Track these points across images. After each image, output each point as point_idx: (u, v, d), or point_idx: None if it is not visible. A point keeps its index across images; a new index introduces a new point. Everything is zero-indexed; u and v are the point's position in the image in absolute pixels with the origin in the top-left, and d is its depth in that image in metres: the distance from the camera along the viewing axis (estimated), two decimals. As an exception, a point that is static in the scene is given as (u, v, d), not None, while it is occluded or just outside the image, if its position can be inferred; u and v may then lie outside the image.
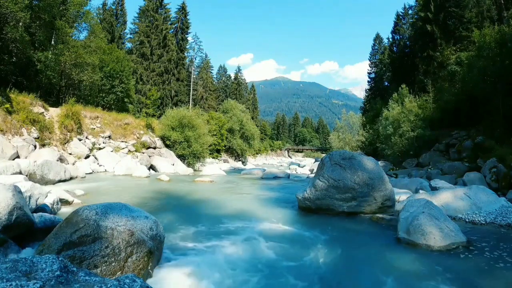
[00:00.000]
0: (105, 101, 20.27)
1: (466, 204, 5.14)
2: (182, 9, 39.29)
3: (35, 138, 11.24)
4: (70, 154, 12.54)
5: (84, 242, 2.51)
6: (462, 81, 15.32)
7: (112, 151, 14.44)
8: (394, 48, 34.93)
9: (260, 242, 3.83)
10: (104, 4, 33.25)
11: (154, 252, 2.84)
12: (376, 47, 42.59)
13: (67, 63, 16.18)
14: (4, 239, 2.78)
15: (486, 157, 9.42)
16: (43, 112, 12.63)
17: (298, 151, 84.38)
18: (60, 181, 8.56)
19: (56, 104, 15.52)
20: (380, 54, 41.02)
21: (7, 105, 10.80)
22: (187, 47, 40.80)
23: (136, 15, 34.70)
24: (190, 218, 4.90)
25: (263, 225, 4.68)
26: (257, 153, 48.92)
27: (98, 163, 13.04)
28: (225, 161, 28.61)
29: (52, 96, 16.86)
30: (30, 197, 4.30)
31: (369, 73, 41.92)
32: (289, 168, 23.57)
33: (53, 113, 13.43)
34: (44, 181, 7.93)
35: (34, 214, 3.61)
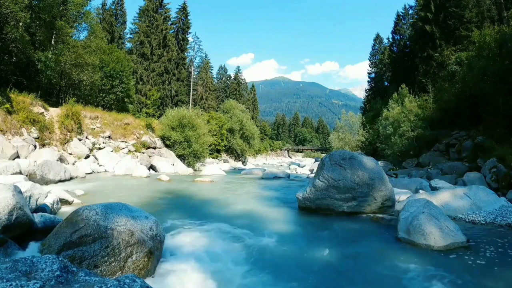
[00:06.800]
0: (105, 101, 20.26)
1: (466, 204, 5.14)
2: (183, 9, 39.27)
3: (35, 138, 11.23)
4: (70, 154, 12.54)
5: (84, 242, 2.51)
6: (462, 81, 15.28)
7: (112, 151, 14.44)
8: (394, 48, 34.92)
9: (260, 242, 3.83)
10: (103, 4, 33.24)
11: (154, 252, 2.84)
12: (376, 47, 42.56)
13: (67, 63, 16.18)
14: (4, 239, 2.77)
15: (486, 157, 9.40)
16: (43, 112, 12.63)
17: (298, 151, 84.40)
18: (60, 181, 8.56)
19: (56, 104, 15.52)
20: (380, 54, 40.99)
21: (7, 105, 10.80)
22: (187, 47, 40.79)
23: (136, 15, 34.70)
24: (190, 218, 4.90)
25: (263, 225, 4.68)
26: (257, 153, 48.92)
27: (98, 163, 13.03)
28: (225, 161, 28.60)
29: (52, 96, 16.87)
30: (30, 197, 4.30)
31: (369, 73, 41.90)
32: (289, 168, 23.57)
33: (53, 113, 13.42)
34: (44, 181, 7.93)
35: (34, 214, 3.61)
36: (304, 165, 26.06)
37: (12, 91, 12.00)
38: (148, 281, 2.63)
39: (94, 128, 15.21)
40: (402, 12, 35.13)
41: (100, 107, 18.23)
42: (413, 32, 28.48)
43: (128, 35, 35.96)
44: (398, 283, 2.77)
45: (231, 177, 13.33)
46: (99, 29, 21.00)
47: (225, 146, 29.81)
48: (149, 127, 18.80)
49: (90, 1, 19.79)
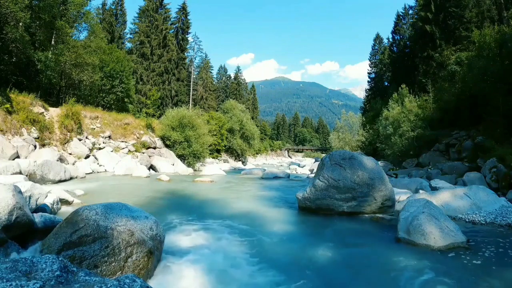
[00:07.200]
0: (105, 101, 20.27)
1: (466, 204, 5.14)
2: (183, 9, 39.27)
3: (35, 138, 11.23)
4: (70, 154, 12.54)
5: (84, 242, 2.51)
6: (462, 81, 15.28)
7: (112, 151, 14.44)
8: (394, 48, 34.94)
9: (260, 242, 3.83)
10: (103, 4, 33.24)
11: (154, 252, 2.84)
12: (376, 47, 42.57)
13: (67, 63, 16.18)
14: (4, 239, 2.77)
15: (486, 157, 9.40)
16: (43, 112, 12.63)
17: (298, 151, 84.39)
18: (60, 181, 8.56)
19: (56, 104, 15.52)
20: (380, 54, 41.00)
21: (7, 105, 10.80)
22: (187, 47, 40.79)
23: (136, 15, 34.70)
24: (190, 218, 4.90)
25: (263, 225, 4.68)
26: (257, 153, 48.93)
27: (98, 163, 13.03)
28: (225, 161, 28.60)
29: (52, 96, 16.87)
30: (30, 197, 4.30)
31: (369, 73, 41.92)
32: (289, 168, 23.57)
33: (53, 113, 13.42)
34: (44, 181, 7.93)
35: (34, 214, 3.60)
36: (304, 165, 26.06)
37: (12, 91, 12.00)
38: (148, 281, 2.63)
39: (94, 128, 15.22)
40: (402, 12, 35.17)
41: (100, 107, 18.23)
42: (413, 32, 28.48)
43: (128, 35, 36.00)
44: (398, 283, 2.77)
45: (231, 177, 13.33)
46: (99, 29, 21.00)
47: (225, 146, 29.81)
48: (149, 127, 18.80)
49: (90, 1, 19.82)
